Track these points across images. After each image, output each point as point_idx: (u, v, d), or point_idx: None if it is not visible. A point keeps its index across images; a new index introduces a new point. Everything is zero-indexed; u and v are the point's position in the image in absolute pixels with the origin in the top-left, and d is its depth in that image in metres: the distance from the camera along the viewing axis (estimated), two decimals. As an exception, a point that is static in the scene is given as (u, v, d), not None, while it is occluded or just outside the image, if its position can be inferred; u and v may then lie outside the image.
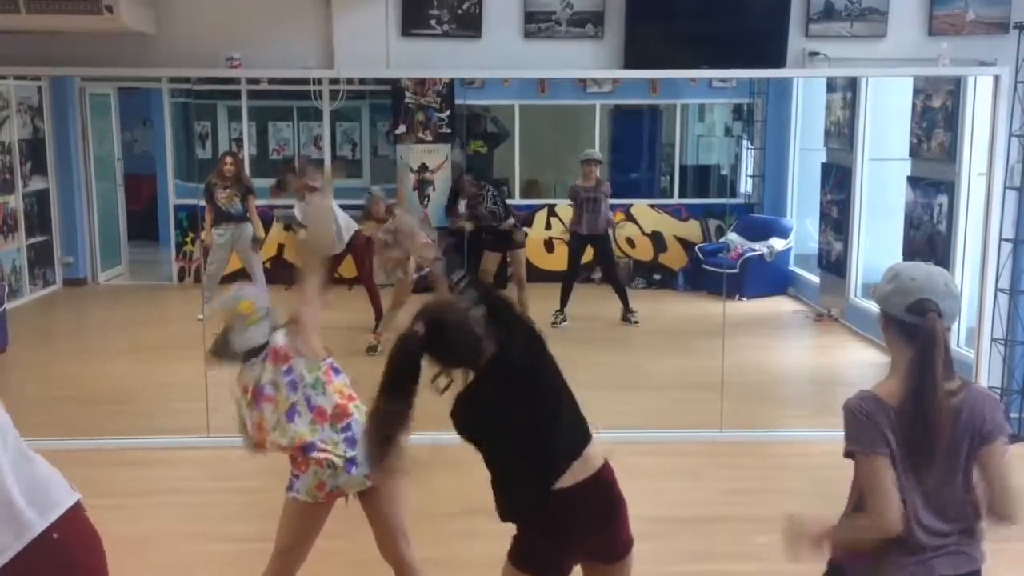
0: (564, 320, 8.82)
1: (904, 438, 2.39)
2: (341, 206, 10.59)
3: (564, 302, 8.92)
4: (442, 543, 3.95)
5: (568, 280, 9.08)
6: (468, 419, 2.85)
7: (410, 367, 2.75)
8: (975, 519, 2.46)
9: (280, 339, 3.46)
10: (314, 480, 3.42)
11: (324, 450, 3.39)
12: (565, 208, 10.77)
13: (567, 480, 2.80)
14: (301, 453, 3.42)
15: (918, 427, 2.38)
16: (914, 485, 2.41)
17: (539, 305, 8.79)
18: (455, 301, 2.88)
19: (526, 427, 2.80)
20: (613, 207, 9.46)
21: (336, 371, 3.52)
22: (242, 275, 9.31)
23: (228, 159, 8.98)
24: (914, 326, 2.41)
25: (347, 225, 8.52)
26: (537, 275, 10.08)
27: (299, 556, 3.52)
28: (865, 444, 2.42)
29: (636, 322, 8.92)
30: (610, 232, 9.33)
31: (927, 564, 2.42)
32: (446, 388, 2.77)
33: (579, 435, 2.87)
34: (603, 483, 2.87)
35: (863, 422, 2.42)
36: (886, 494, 2.39)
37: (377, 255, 8.01)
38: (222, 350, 3.51)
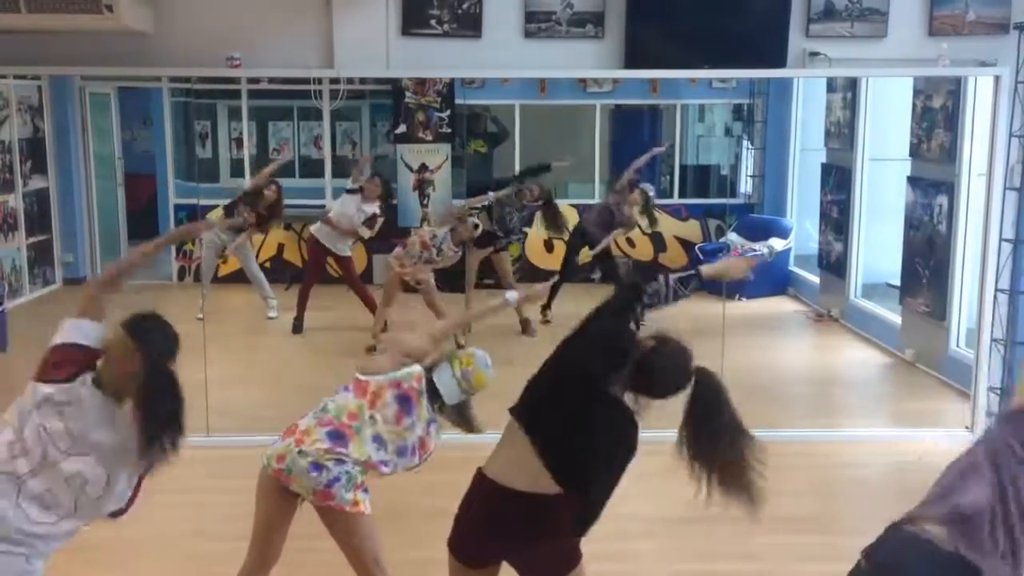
0: (548, 320, 8.83)
1: None
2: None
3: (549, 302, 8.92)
4: (424, 542, 3.95)
5: (560, 281, 9.09)
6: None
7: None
8: None
9: None
10: (281, 449, 3.44)
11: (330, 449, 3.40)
12: (564, 208, 10.76)
13: (498, 472, 2.83)
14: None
15: None
16: None
17: (536, 304, 8.80)
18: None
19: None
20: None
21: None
22: (240, 276, 9.33)
23: (273, 189, 8.96)
24: None
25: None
26: (536, 275, 10.08)
27: (267, 547, 3.54)
28: None
29: (642, 322, 8.91)
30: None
31: None
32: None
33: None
34: (534, 505, 2.86)
35: None
36: None
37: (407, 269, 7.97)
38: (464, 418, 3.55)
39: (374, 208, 8.58)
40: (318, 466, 3.37)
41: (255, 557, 3.56)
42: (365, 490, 3.43)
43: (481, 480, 2.87)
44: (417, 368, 3.42)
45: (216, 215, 9.24)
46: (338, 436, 3.39)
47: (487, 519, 2.85)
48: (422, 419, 3.40)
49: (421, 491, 4.52)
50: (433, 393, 3.42)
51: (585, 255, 9.14)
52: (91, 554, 2.78)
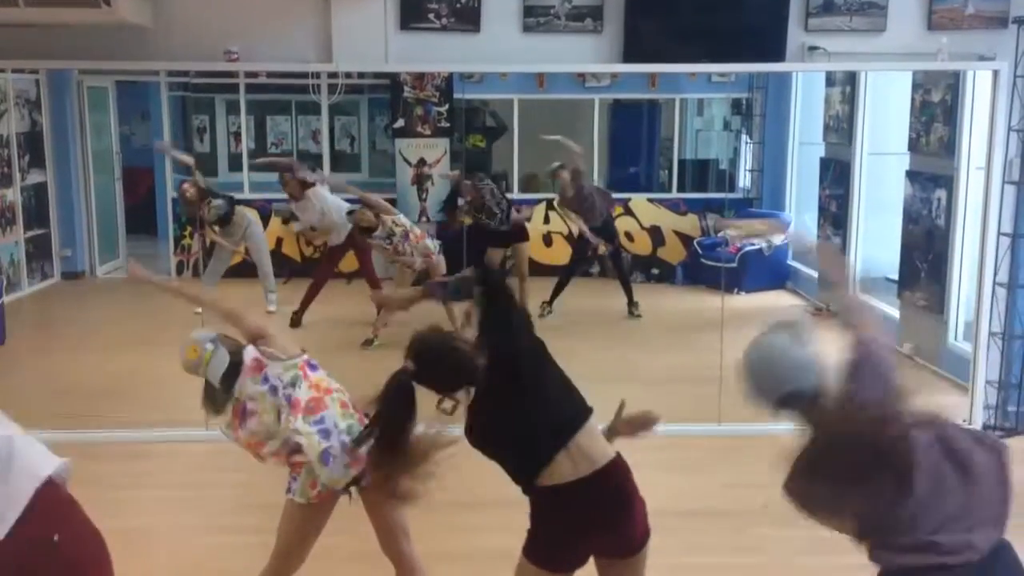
0: (550, 312, 8.87)
1: None
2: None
3: (555, 295, 8.96)
4: (445, 536, 3.96)
5: (567, 275, 9.12)
6: (480, 432, 2.85)
7: (403, 405, 2.76)
8: None
9: (249, 353, 3.46)
10: (308, 479, 3.42)
11: (298, 463, 3.41)
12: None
13: (559, 476, 2.78)
14: (292, 454, 3.43)
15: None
16: None
17: (539, 300, 8.82)
18: (439, 329, 2.90)
19: (514, 422, 2.80)
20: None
21: (312, 367, 3.53)
22: (238, 270, 9.32)
23: (184, 186, 9.01)
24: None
25: (341, 217, 8.53)
26: (535, 269, 10.08)
27: (298, 557, 3.51)
28: None
29: (639, 315, 8.99)
30: (615, 225, 9.36)
31: None
32: (454, 409, 2.79)
33: (564, 429, 2.85)
34: (610, 479, 2.85)
35: None
36: None
37: (387, 256, 7.98)
38: (209, 397, 3.52)
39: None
40: (327, 452, 3.38)
41: (283, 565, 3.53)
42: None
43: (555, 490, 2.82)
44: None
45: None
46: (316, 409, 3.44)
47: (594, 513, 2.82)
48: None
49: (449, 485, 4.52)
50: None
51: (603, 247, 9.17)
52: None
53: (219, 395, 3.47)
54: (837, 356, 2.39)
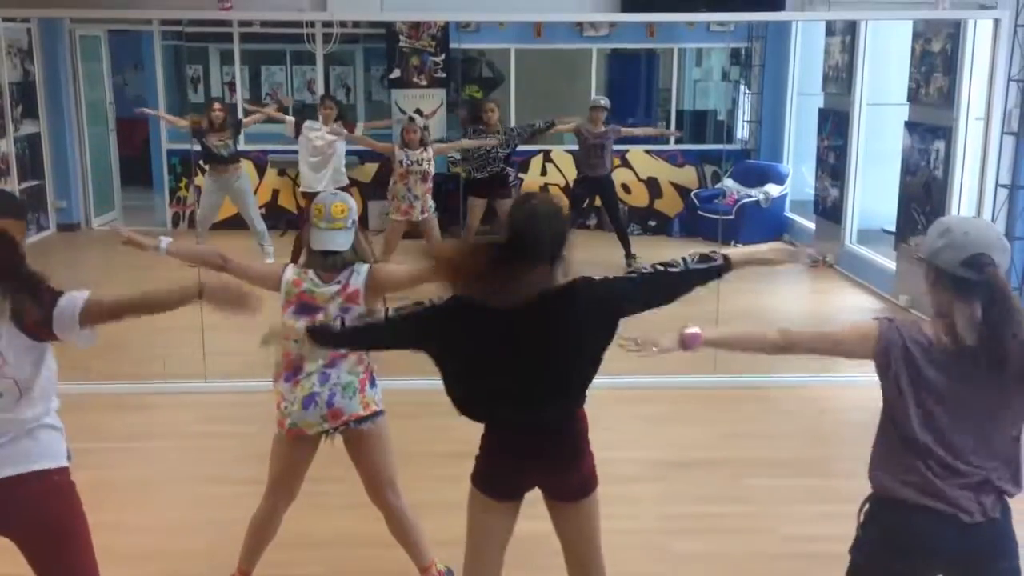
0: None
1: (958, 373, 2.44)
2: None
3: None
4: (435, 486, 3.99)
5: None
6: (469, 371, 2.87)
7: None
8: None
9: (359, 281, 3.43)
10: (277, 415, 3.48)
11: (298, 382, 3.43)
12: (560, 154, 10.73)
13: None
14: (285, 377, 3.48)
15: (990, 368, 2.40)
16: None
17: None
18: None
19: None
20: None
21: None
22: (235, 222, 9.29)
23: (217, 106, 8.87)
24: (970, 280, 2.42)
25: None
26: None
27: (284, 492, 3.56)
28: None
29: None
30: (613, 177, 9.29)
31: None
32: None
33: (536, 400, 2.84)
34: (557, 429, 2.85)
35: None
36: None
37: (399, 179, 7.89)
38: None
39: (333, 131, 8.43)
40: (312, 398, 3.44)
41: (271, 500, 3.58)
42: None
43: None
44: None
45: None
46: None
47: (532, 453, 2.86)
48: None
49: (425, 436, 4.56)
50: None
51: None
52: (90, 496, 2.81)
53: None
54: None
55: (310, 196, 8.26)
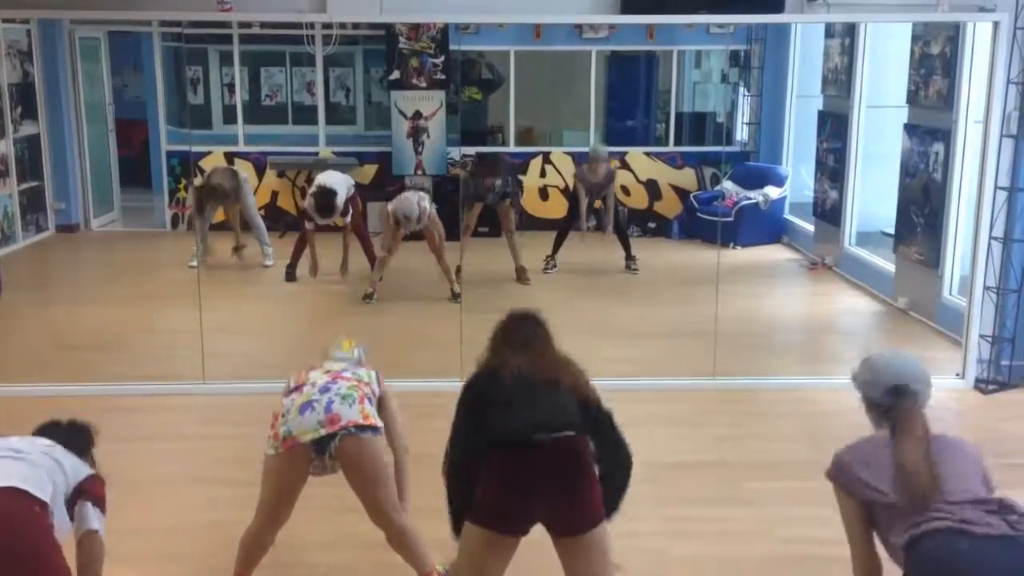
0: (555, 266, 8.91)
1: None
2: (336, 153, 10.60)
3: (556, 249, 8.97)
4: (431, 490, 3.99)
5: (565, 228, 9.09)
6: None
7: None
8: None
9: (371, 377, 3.64)
10: (272, 430, 3.45)
11: (301, 390, 3.48)
12: (560, 156, 10.74)
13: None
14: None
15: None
16: None
17: (533, 253, 8.82)
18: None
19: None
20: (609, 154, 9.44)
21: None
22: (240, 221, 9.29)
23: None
24: (892, 407, 2.69)
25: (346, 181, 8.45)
26: (532, 223, 10.07)
27: (276, 511, 3.51)
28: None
29: (636, 270, 8.98)
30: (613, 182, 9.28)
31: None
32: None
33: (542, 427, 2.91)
34: (561, 451, 2.86)
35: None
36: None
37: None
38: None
39: None
40: (309, 404, 3.47)
41: (266, 519, 3.54)
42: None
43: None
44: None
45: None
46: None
47: (539, 480, 2.90)
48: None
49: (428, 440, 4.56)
50: None
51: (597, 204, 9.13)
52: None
53: None
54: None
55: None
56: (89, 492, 2.96)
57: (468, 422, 2.96)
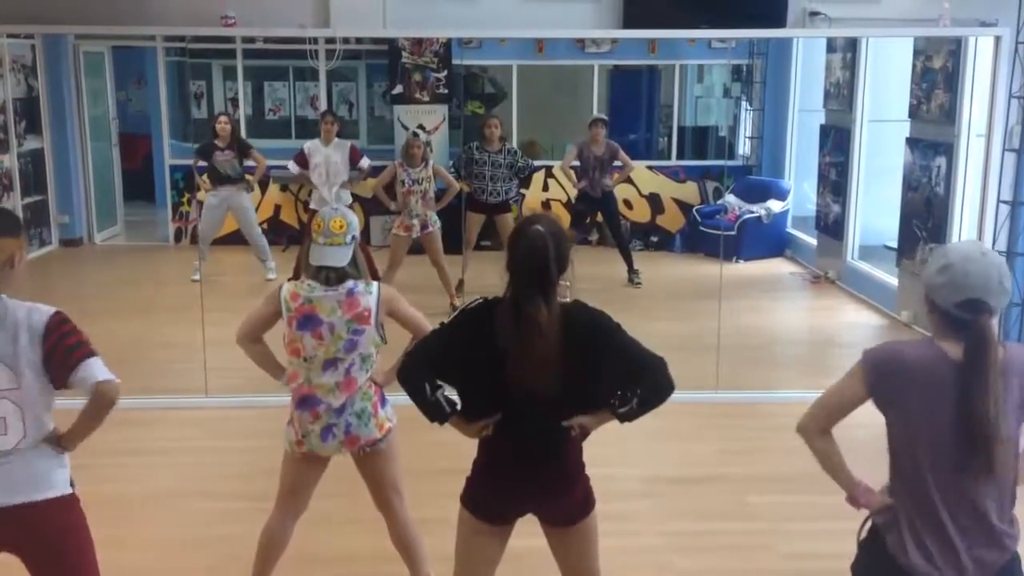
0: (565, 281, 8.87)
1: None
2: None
3: None
4: (435, 502, 3.99)
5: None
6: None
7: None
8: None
9: (370, 300, 3.45)
10: (295, 436, 3.49)
11: (316, 413, 3.43)
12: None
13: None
14: (300, 402, 3.46)
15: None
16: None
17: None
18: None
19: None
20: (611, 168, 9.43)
21: None
22: (237, 237, 9.30)
23: (223, 118, 8.89)
24: (962, 321, 2.38)
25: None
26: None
27: (294, 506, 3.56)
28: None
29: (639, 283, 8.97)
30: (615, 193, 9.28)
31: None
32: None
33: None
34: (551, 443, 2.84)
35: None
36: None
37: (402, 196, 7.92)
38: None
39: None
40: (329, 429, 3.48)
41: (280, 512, 3.58)
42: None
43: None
44: None
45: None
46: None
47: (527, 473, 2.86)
48: None
49: (430, 452, 4.55)
50: None
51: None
52: (92, 512, 2.80)
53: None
54: None
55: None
56: (72, 349, 2.81)
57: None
